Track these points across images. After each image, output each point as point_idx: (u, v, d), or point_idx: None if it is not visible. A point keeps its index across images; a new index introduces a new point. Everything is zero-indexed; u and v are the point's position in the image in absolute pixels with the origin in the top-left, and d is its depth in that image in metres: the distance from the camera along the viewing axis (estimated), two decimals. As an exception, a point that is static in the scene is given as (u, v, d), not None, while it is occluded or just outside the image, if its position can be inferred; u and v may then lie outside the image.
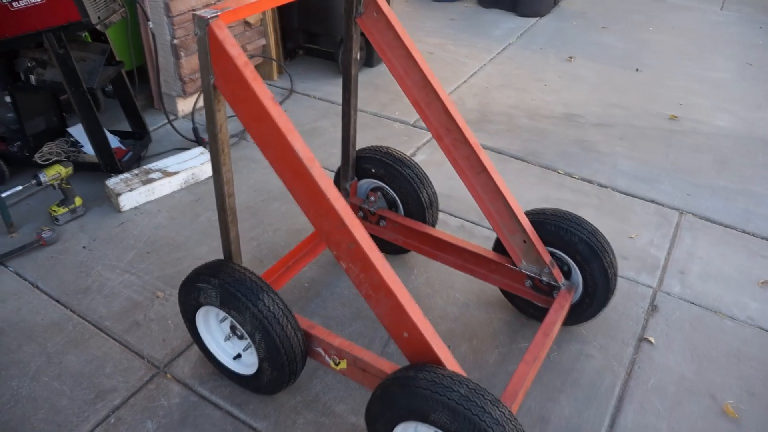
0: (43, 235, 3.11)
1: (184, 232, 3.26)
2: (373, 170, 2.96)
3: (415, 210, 2.95)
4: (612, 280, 2.57)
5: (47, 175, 3.10)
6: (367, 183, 3.02)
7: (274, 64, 4.68)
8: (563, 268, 2.63)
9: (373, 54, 4.86)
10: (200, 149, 3.70)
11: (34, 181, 3.09)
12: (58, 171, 3.14)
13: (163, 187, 3.47)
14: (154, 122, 4.17)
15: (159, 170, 3.51)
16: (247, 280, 2.23)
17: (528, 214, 2.66)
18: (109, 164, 3.40)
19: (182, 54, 3.96)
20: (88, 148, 3.54)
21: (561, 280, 2.60)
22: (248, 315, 2.20)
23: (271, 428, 2.37)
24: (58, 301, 2.86)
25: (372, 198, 3.00)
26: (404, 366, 2.05)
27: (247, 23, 4.31)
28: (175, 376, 2.56)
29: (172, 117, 4.23)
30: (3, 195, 3.00)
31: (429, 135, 4.15)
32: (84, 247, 3.15)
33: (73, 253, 3.12)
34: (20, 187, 3.08)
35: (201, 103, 4.24)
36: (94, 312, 2.81)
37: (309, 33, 4.79)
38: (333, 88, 4.68)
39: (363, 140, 4.07)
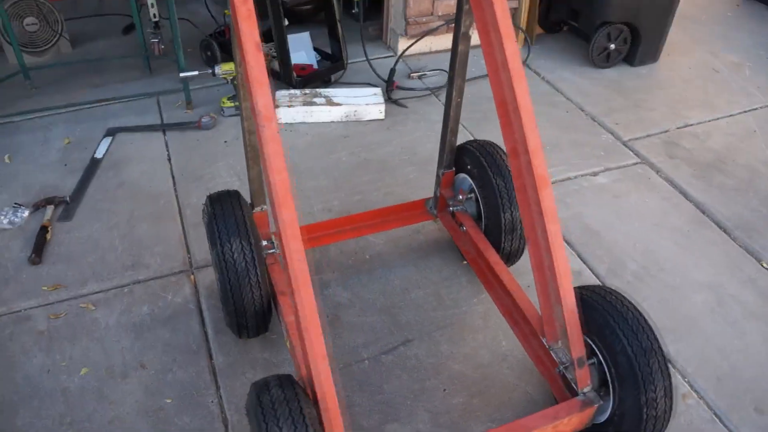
0: (202, 120, 3.44)
1: (309, 162, 3.29)
2: (468, 167, 2.55)
3: (492, 229, 2.49)
4: (647, 423, 1.84)
5: (221, 69, 3.39)
6: (467, 179, 2.63)
7: (520, 31, 4.25)
8: (603, 375, 1.98)
9: (637, 51, 4.06)
10: (376, 90, 3.62)
11: (210, 71, 3.40)
12: (231, 68, 3.39)
13: (322, 114, 3.51)
14: (377, 53, 4.19)
15: (326, 97, 3.55)
16: (230, 218, 2.16)
17: (585, 288, 2.03)
18: (285, 76, 3.56)
19: (412, -6, 3.86)
20: (294, 57, 3.74)
21: (585, 386, 1.96)
22: (214, 252, 2.15)
23: (222, 367, 2.33)
24: (173, 178, 3.18)
25: (461, 197, 2.61)
26: (287, 374, 1.80)
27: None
28: (197, 279, 2.67)
29: (390, 54, 4.21)
30: (181, 75, 3.38)
31: (632, 160, 3.39)
32: (225, 142, 3.41)
33: (214, 144, 3.40)
34: (197, 72, 3.42)
35: (415, 48, 4.11)
36: (187, 198, 3.06)
37: (571, 8, 4.20)
38: (570, 77, 4.09)
39: (552, 137, 3.51)
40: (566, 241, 2.87)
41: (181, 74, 3.38)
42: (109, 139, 3.36)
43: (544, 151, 3.34)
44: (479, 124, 3.61)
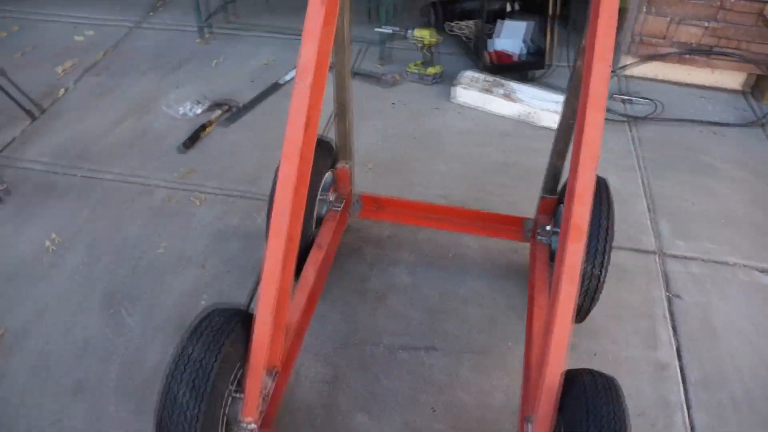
0: (384, 76, 3.55)
1: (456, 147, 3.20)
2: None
3: (561, 272, 2.19)
4: None
5: (414, 34, 3.42)
6: (570, 213, 2.34)
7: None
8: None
9: None
10: (563, 99, 3.32)
11: (404, 32, 3.45)
12: (424, 35, 3.40)
13: (495, 106, 3.36)
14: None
15: (507, 90, 3.38)
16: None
17: (587, 372, 1.71)
18: (475, 59, 3.46)
19: (646, 9, 3.40)
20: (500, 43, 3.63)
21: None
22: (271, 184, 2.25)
23: (259, 296, 2.48)
24: (328, 119, 3.35)
25: (548, 227, 2.33)
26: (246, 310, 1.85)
27: (765, 18, 3.28)
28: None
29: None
30: (376, 29, 3.49)
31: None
32: (393, 104, 3.47)
33: (382, 101, 3.50)
34: (391, 30, 3.50)
35: (639, 71, 3.67)
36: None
37: None
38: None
39: (734, 208, 2.92)
40: (673, 327, 2.41)
41: (377, 29, 3.50)
42: (299, 70, 3.66)
43: (718, 222, 2.84)
44: (658, 169, 3.13)
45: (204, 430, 1.61)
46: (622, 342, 2.35)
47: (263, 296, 1.76)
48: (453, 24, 3.73)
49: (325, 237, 2.31)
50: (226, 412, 1.73)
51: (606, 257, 2.09)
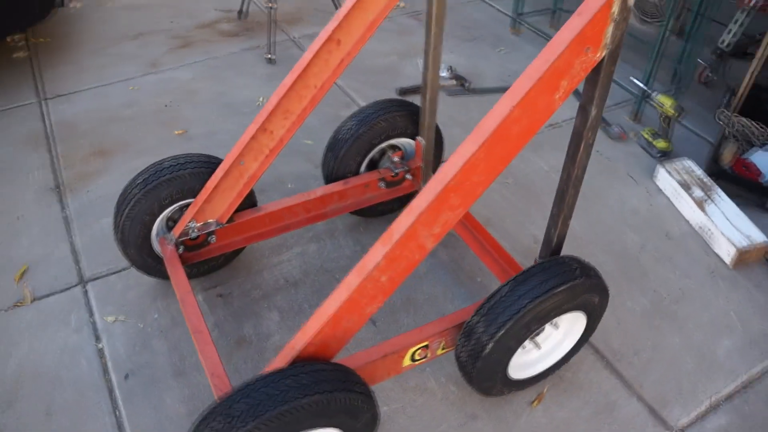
0: (614, 127, 3.34)
1: (603, 215, 2.92)
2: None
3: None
4: None
5: (656, 98, 3.11)
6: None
7: None
8: None
9: None
10: (764, 239, 2.64)
11: (650, 92, 3.16)
12: (665, 103, 3.07)
13: (681, 203, 2.91)
14: None
15: (706, 197, 2.85)
16: (379, 112, 2.55)
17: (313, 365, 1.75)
18: (710, 158, 2.99)
19: None
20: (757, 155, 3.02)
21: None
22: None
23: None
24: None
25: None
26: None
27: None
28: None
29: None
30: (630, 77, 3.26)
31: None
32: (596, 151, 3.24)
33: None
34: (641, 85, 3.21)
35: None
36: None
37: None
38: None
39: None
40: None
41: (631, 77, 3.29)
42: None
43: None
44: None
45: (138, 214, 2.26)
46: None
47: (225, 161, 2.26)
48: (723, 111, 3.21)
49: (358, 180, 2.57)
50: (168, 216, 2.35)
51: (503, 332, 1.90)
